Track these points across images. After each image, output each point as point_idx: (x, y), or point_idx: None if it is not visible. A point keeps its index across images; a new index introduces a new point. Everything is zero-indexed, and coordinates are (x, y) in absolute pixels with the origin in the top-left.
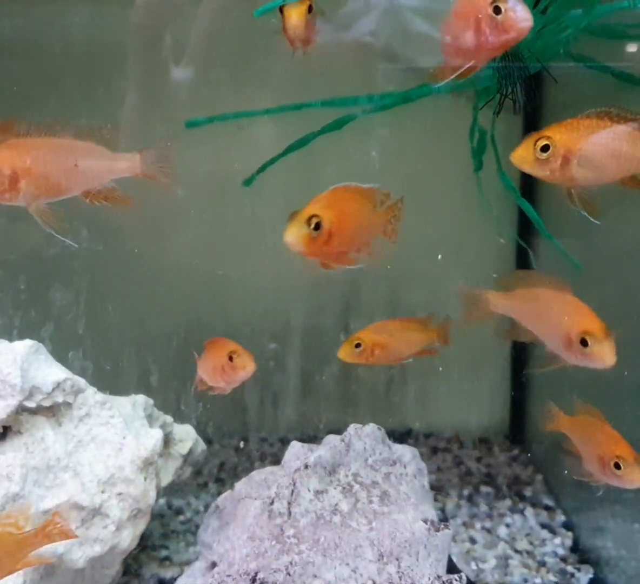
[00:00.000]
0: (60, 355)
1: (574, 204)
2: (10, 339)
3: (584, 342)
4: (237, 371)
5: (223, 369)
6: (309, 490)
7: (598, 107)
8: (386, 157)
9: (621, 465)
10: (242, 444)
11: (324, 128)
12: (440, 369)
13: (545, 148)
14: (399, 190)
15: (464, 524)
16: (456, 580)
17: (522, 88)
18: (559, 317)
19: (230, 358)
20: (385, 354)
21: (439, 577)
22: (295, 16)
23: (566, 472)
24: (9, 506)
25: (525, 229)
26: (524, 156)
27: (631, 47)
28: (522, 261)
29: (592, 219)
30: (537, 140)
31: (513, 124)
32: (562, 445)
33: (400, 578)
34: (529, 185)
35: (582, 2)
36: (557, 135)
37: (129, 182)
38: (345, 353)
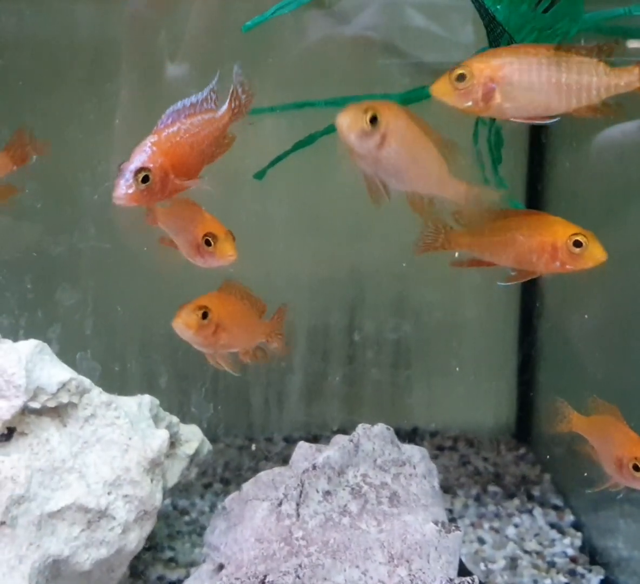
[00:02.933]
0: (67, 356)
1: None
2: (17, 340)
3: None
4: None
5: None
6: (317, 491)
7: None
8: None
9: None
10: (253, 447)
11: (328, 128)
12: (450, 370)
13: (462, 77)
14: None
15: (472, 524)
16: (469, 583)
17: None
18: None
19: (207, 242)
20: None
21: (450, 580)
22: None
23: (585, 474)
24: (14, 509)
25: None
26: (441, 88)
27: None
28: None
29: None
30: (454, 71)
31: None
32: (574, 446)
33: (411, 580)
34: (534, 184)
35: (571, 9)
36: (475, 64)
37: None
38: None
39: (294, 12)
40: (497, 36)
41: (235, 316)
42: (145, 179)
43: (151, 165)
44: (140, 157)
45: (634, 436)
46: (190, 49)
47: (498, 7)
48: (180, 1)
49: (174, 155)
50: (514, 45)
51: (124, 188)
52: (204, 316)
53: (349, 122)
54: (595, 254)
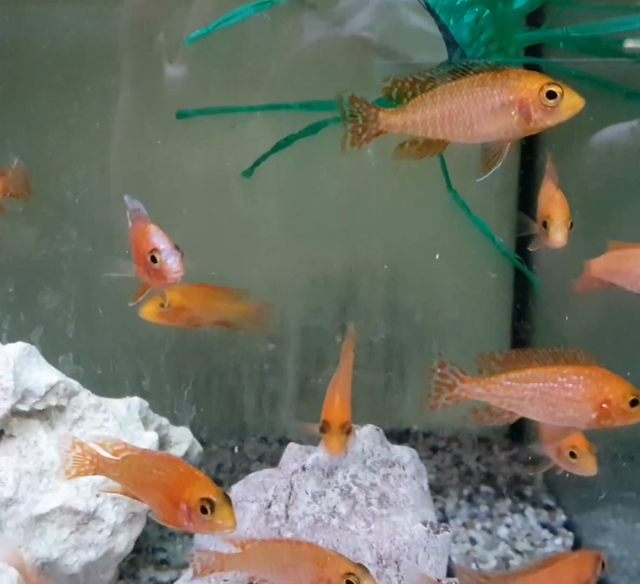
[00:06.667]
0: (50, 359)
1: None
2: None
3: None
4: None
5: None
6: (306, 493)
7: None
8: (382, 155)
9: (576, 454)
10: (236, 449)
11: (302, 132)
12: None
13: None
14: (394, 188)
15: (464, 524)
16: (456, 583)
17: None
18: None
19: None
20: (189, 317)
21: (439, 580)
22: None
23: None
24: (2, 511)
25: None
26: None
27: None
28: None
29: None
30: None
31: None
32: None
33: (399, 581)
34: (527, 184)
35: (503, 28)
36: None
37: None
38: (149, 312)
39: (289, 13)
40: (452, 50)
41: None
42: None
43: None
44: (164, 238)
45: None
46: (185, 52)
47: (451, 21)
48: (173, 4)
49: None
50: None
51: (178, 263)
52: None
53: None
54: (572, 102)
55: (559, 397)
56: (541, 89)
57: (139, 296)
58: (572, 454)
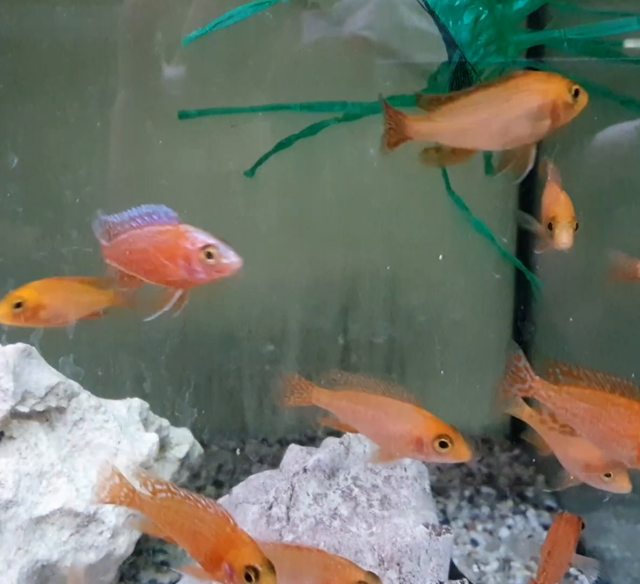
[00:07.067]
0: (50, 360)
1: None
2: None
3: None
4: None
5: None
6: (308, 494)
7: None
8: (384, 156)
9: (611, 473)
10: (237, 451)
11: (303, 132)
12: (442, 372)
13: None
14: (397, 188)
15: (466, 526)
16: None
17: None
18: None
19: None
20: (50, 316)
21: (440, 583)
22: None
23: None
24: (2, 513)
25: (524, 230)
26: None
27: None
28: (523, 261)
29: None
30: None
31: None
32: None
33: (401, 583)
34: (529, 185)
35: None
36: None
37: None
38: (3, 314)
39: (288, 12)
40: (452, 51)
41: None
42: None
43: None
44: (208, 234)
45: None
46: (185, 51)
47: (450, 22)
48: (172, 3)
49: None
50: None
51: (237, 254)
52: None
53: None
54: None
55: (605, 425)
56: (569, 90)
57: (167, 302)
58: (607, 474)
